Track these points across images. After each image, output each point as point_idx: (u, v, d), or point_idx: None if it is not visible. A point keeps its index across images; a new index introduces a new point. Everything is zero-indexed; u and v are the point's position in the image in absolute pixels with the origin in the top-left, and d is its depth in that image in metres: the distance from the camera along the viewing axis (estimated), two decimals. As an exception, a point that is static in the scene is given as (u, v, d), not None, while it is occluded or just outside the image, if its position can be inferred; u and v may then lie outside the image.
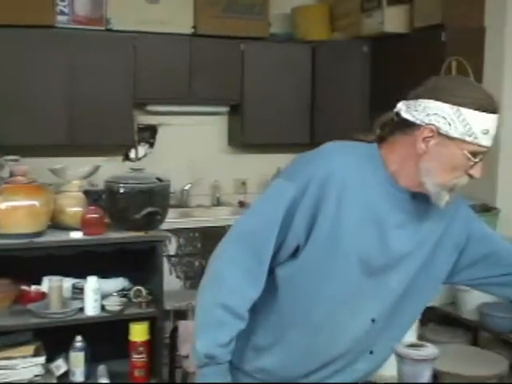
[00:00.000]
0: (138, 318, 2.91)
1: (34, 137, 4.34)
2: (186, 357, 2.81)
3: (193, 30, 4.72)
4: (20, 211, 2.82)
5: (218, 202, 5.12)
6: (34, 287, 3.03)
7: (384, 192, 1.49)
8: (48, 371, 2.92)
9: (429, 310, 3.54)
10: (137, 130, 4.85)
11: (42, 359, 2.85)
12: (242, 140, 4.99)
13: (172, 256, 4.52)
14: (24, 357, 2.82)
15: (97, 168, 3.13)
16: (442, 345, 2.98)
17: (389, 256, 1.50)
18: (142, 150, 4.96)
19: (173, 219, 4.44)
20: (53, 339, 2.87)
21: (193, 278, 4.64)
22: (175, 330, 2.86)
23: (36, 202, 2.85)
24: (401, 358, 1.45)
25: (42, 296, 3.00)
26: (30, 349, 2.85)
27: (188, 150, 5.03)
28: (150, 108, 4.79)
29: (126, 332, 2.94)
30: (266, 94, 4.91)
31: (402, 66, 4.40)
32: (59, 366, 2.97)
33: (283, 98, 4.97)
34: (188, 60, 4.71)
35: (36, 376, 2.84)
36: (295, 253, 1.50)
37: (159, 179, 2.80)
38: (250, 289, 1.48)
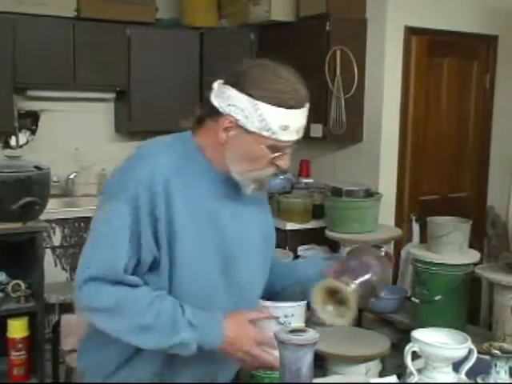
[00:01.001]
0: (17, 314, 2.79)
1: None
2: (70, 352, 2.72)
3: (75, 14, 4.54)
4: None
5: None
6: None
7: (208, 182, 1.50)
8: None
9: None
10: (17, 116, 4.63)
11: None
12: (128, 127, 4.88)
13: (56, 247, 4.35)
14: None
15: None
16: (326, 327, 3.06)
17: (231, 249, 1.55)
18: (23, 137, 4.74)
19: (57, 209, 4.30)
20: None
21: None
22: (57, 324, 2.76)
23: None
24: (282, 344, 1.46)
25: None
26: None
27: (73, 137, 4.87)
28: (31, 93, 4.58)
29: (4, 328, 2.81)
30: (153, 80, 4.81)
31: (288, 54, 4.41)
32: None
33: (171, 85, 4.90)
34: (71, 44, 4.52)
35: None
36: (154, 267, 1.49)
37: (38, 167, 2.68)
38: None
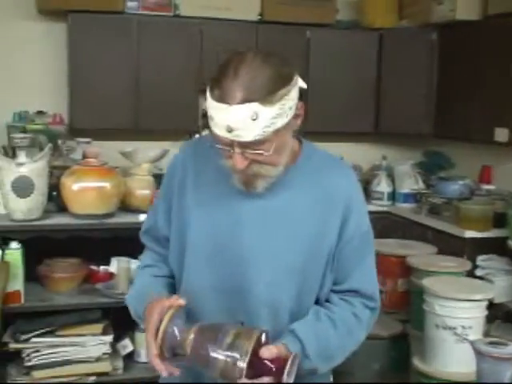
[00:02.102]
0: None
1: (103, 121, 4.43)
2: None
3: (259, 17, 4.70)
4: (91, 192, 2.88)
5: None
6: (102, 267, 3.10)
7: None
8: (114, 350, 2.99)
9: (495, 307, 3.48)
10: (201, 115, 4.87)
11: (109, 338, 2.91)
12: (304, 127, 4.95)
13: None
14: (93, 334, 2.89)
15: (166, 152, 3.15)
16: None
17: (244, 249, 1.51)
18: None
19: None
20: (119, 319, 2.93)
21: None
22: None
23: (107, 184, 2.90)
24: (480, 355, 1.42)
25: (110, 276, 3.06)
26: (99, 327, 2.92)
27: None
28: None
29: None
30: (330, 82, 4.85)
31: (472, 54, 4.28)
32: (125, 346, 3.03)
33: (348, 86, 4.91)
34: (254, 47, 4.67)
35: (104, 354, 2.90)
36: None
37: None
38: None
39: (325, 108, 4.83)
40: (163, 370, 1.34)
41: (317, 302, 1.54)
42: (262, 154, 1.36)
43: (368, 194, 4.71)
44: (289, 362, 1.28)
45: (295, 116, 1.41)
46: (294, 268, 1.48)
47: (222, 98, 1.32)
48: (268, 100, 1.32)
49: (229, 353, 1.26)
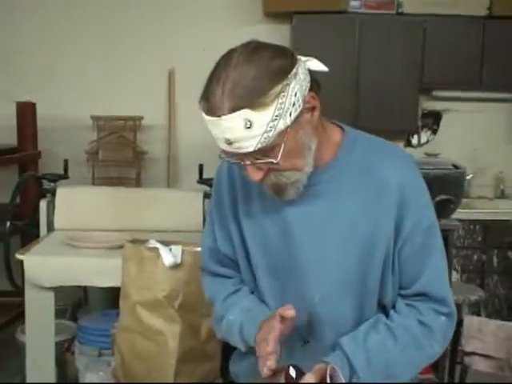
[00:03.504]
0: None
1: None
2: (470, 354, 2.70)
3: (487, 12, 4.45)
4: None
5: (501, 195, 4.82)
6: None
7: None
8: None
9: None
10: (421, 115, 4.75)
11: None
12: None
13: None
14: None
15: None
16: None
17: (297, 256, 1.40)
18: (424, 136, 4.85)
19: (454, 209, 4.29)
20: None
21: (470, 272, 4.44)
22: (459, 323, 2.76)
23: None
24: None
25: None
26: None
27: (473, 137, 4.80)
28: (436, 93, 4.65)
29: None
30: None
31: None
32: None
33: None
34: (480, 44, 4.46)
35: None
36: None
37: (455, 166, 2.70)
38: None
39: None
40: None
41: (385, 312, 1.38)
42: (272, 162, 1.22)
43: None
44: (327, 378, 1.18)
45: (307, 110, 1.24)
46: (348, 276, 1.34)
47: (210, 111, 1.19)
48: (258, 103, 1.15)
49: None
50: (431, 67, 4.46)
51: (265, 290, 1.41)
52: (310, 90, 1.24)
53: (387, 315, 1.38)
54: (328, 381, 1.17)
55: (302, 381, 1.20)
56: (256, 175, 1.24)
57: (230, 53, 1.21)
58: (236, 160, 1.24)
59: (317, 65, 1.29)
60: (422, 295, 1.36)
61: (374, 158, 1.36)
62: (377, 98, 4.48)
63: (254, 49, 1.20)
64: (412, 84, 4.49)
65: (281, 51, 1.21)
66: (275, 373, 1.23)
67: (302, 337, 1.37)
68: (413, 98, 4.53)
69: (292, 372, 1.22)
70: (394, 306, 1.37)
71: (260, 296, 1.44)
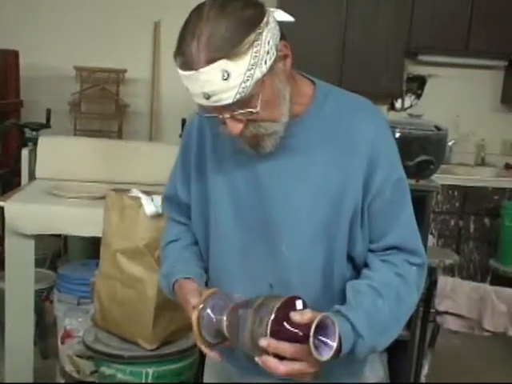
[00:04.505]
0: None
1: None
2: (442, 313, 2.76)
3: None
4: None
5: (482, 162, 4.87)
6: None
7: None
8: None
9: None
10: (405, 79, 4.76)
11: None
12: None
13: (428, 211, 4.41)
14: None
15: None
16: None
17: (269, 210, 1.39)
18: (408, 100, 4.87)
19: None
20: None
21: (447, 237, 4.51)
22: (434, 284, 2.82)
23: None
24: None
25: None
26: None
27: (456, 104, 4.83)
28: (422, 58, 4.66)
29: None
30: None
31: None
32: None
33: None
34: (468, 10, 4.46)
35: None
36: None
37: (437, 128, 2.72)
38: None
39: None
40: (208, 353, 1.31)
41: (356, 268, 1.40)
42: (252, 112, 1.22)
43: None
44: (313, 327, 1.11)
45: (280, 58, 1.24)
46: (317, 226, 1.34)
47: (186, 65, 1.19)
48: (234, 53, 1.16)
49: (257, 312, 1.17)
50: (418, 31, 4.46)
51: (228, 240, 1.42)
52: (281, 39, 1.24)
53: (356, 268, 1.41)
54: (312, 330, 1.11)
55: (296, 316, 1.16)
56: (236, 128, 1.24)
57: (200, 6, 1.20)
58: (214, 114, 1.24)
59: (283, 15, 1.28)
60: (395, 248, 1.37)
61: (346, 112, 1.36)
62: (362, 61, 4.48)
63: (223, 1, 1.19)
64: (398, 47, 4.49)
65: (249, 1, 1.21)
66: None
67: (268, 281, 1.38)
68: (398, 62, 4.54)
69: (299, 305, 1.19)
70: (366, 264, 1.39)
71: (219, 249, 1.45)
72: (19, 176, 3.36)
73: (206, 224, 1.46)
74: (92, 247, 3.08)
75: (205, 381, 1.62)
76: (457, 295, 2.75)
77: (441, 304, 2.76)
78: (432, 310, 2.94)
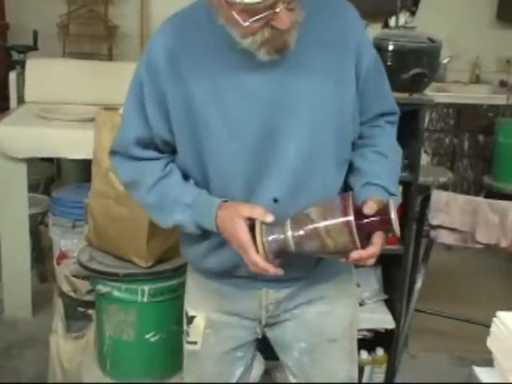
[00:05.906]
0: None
1: None
2: (436, 227, 2.79)
3: None
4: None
5: (476, 80, 4.81)
6: None
7: (225, 50, 1.36)
8: None
9: None
10: (401, -5, 4.64)
11: None
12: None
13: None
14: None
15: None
16: None
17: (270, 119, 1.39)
18: (402, 17, 4.74)
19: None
20: None
21: (441, 156, 4.51)
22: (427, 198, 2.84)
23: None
24: None
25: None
26: None
27: (450, 21, 4.71)
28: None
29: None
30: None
31: None
32: None
33: None
34: None
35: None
36: None
37: (431, 40, 2.66)
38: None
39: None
40: (271, 269, 1.29)
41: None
42: None
43: None
44: (391, 207, 1.26)
45: None
46: (322, 119, 1.38)
47: None
48: None
49: (328, 219, 1.24)
50: None
51: (222, 152, 1.38)
52: None
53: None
54: (393, 215, 1.25)
55: (366, 209, 1.28)
56: (287, 19, 1.23)
57: None
58: (264, 14, 1.21)
59: None
60: (379, 115, 1.52)
61: (323, 7, 1.40)
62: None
63: None
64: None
65: None
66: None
67: (272, 194, 1.38)
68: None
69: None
70: (361, 136, 1.51)
71: (220, 172, 1.42)
72: (8, 100, 3.32)
73: (200, 154, 1.41)
74: (85, 171, 3.07)
75: (187, 283, 1.66)
76: (450, 209, 2.76)
77: (434, 218, 2.77)
78: (426, 228, 2.97)
